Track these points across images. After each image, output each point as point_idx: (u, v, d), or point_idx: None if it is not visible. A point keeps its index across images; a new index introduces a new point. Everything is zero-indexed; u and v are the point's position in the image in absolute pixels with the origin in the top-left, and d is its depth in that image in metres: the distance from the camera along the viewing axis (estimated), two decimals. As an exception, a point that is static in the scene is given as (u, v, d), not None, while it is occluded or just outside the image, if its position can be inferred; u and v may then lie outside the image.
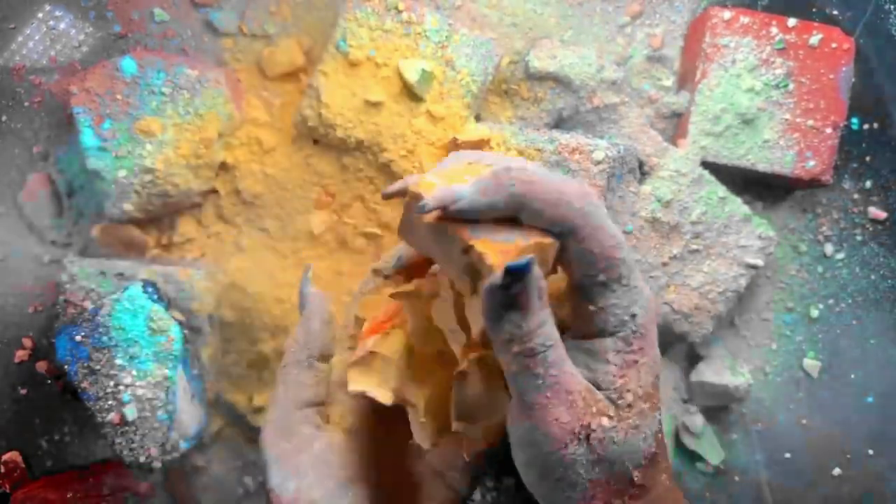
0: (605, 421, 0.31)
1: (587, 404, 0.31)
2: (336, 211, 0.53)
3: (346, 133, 0.50)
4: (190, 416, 0.50)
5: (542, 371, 0.30)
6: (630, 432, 0.31)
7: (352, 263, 0.53)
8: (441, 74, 0.50)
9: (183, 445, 0.50)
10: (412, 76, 0.49)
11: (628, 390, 0.31)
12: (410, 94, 0.49)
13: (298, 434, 0.36)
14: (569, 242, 0.31)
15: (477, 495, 0.52)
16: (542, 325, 0.30)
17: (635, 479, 0.32)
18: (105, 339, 0.48)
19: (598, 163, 0.48)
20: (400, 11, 0.49)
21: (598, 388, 0.32)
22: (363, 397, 0.34)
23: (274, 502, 0.35)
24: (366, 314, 0.36)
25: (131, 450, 0.49)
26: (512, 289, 0.28)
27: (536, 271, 0.29)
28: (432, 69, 0.49)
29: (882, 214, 0.56)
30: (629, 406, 0.31)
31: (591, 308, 0.32)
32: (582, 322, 0.32)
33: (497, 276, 0.28)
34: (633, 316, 0.32)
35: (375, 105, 0.49)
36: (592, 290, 0.31)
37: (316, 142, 0.52)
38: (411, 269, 0.36)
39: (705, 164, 0.52)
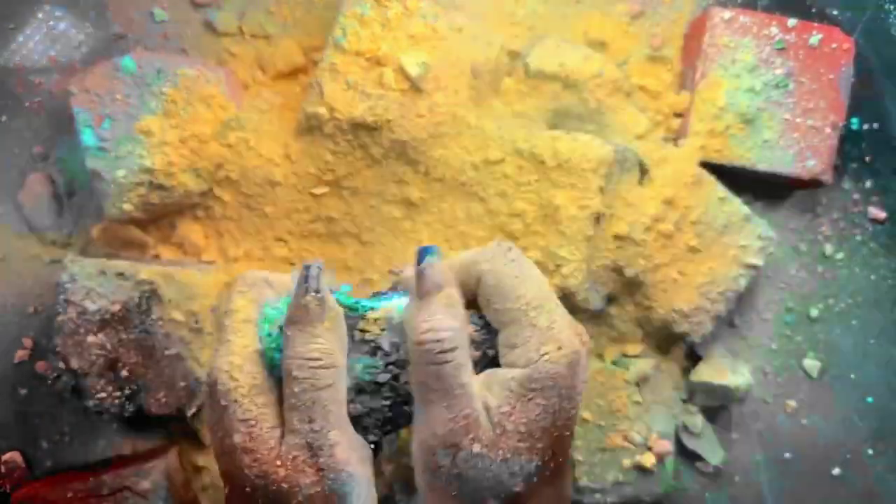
0: (476, 447, 0.31)
1: (467, 428, 0.31)
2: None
3: (347, 130, 0.49)
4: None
5: (437, 383, 0.32)
6: (497, 461, 0.32)
7: (357, 258, 0.52)
8: (441, 68, 0.49)
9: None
10: (413, 69, 0.48)
11: (511, 420, 0.32)
12: (412, 87, 0.49)
13: None
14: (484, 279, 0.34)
15: None
16: (448, 329, 0.32)
17: None
18: (105, 338, 0.48)
19: (598, 162, 0.48)
20: (399, 5, 0.49)
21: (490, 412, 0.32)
22: None
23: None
24: None
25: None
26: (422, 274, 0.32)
27: (438, 274, 0.33)
28: (433, 62, 0.49)
29: (882, 214, 0.56)
30: (506, 435, 0.32)
31: (509, 341, 0.33)
32: (506, 353, 0.34)
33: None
34: (544, 356, 0.32)
35: (377, 100, 0.49)
36: (506, 325, 0.34)
37: (318, 138, 0.52)
38: None
39: (705, 164, 0.52)
